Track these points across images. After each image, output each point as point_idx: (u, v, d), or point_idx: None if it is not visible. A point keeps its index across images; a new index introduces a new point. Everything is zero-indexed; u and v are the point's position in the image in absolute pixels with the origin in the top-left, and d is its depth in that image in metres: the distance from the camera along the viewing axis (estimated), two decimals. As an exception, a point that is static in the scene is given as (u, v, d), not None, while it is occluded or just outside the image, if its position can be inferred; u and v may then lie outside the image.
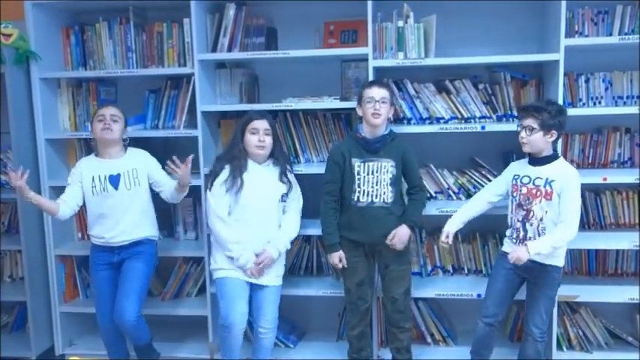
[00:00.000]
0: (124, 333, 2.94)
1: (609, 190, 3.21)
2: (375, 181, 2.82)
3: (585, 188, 3.22)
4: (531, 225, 2.70)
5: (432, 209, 3.05)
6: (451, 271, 3.35)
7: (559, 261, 2.74)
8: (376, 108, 2.74)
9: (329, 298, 3.21)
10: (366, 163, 2.82)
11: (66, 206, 2.88)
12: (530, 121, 2.64)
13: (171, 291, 3.47)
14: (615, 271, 3.30)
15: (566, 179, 2.65)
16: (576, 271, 3.34)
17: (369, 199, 2.82)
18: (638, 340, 3.21)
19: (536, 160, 2.72)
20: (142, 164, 2.95)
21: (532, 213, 2.69)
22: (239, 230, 2.82)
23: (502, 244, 2.90)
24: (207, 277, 3.23)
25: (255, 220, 2.83)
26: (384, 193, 2.82)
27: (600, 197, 3.21)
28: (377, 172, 2.81)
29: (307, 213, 3.07)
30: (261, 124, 2.83)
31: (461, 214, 2.87)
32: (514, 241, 2.77)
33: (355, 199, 2.83)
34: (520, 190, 2.72)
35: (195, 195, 3.33)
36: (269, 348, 2.95)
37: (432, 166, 3.19)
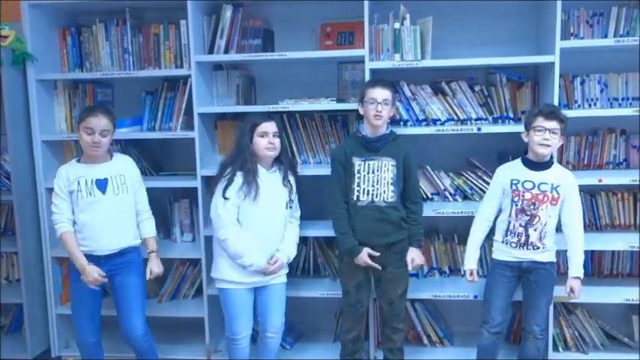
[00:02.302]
0: (135, 350, 2.91)
1: (605, 191, 3.23)
2: (375, 180, 2.80)
3: (581, 189, 3.20)
4: (535, 230, 2.70)
5: (428, 210, 3.05)
6: (447, 272, 3.36)
7: (554, 256, 2.78)
8: (378, 110, 2.73)
9: (326, 299, 3.21)
10: (367, 162, 2.81)
11: (71, 224, 2.77)
12: (555, 124, 2.63)
13: (168, 293, 3.46)
14: (611, 272, 3.32)
15: (569, 184, 2.71)
16: (572, 272, 3.35)
17: (369, 198, 2.81)
18: (634, 341, 3.23)
19: (538, 165, 2.71)
20: (128, 171, 2.84)
21: (538, 218, 2.69)
22: (249, 237, 2.76)
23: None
24: (204, 278, 3.23)
25: (266, 227, 2.78)
26: (385, 192, 2.80)
27: (596, 198, 3.23)
28: (377, 170, 2.80)
29: (305, 214, 3.06)
30: (271, 127, 2.76)
31: (474, 246, 2.82)
32: (514, 245, 2.75)
33: (355, 198, 2.82)
34: (523, 196, 2.70)
35: (191, 197, 3.34)
36: (275, 349, 2.94)
37: (429, 168, 3.20)
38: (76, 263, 2.74)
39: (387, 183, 2.80)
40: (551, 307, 3.02)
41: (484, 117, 3.14)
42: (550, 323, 3.04)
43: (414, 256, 2.86)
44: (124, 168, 2.84)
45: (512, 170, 2.77)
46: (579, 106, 3.15)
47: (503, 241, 2.79)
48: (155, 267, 2.91)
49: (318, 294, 3.20)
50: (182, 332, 3.48)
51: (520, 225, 2.72)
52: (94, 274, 2.73)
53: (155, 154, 3.54)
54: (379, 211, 2.80)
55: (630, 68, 3.12)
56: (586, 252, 3.27)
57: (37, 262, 3.35)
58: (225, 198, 2.73)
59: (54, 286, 3.36)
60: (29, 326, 3.34)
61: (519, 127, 2.98)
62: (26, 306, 3.31)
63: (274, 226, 2.82)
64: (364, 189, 2.82)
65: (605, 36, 3.03)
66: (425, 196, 3.22)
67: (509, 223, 2.76)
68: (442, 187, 3.21)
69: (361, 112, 2.83)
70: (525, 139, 2.73)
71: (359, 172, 2.82)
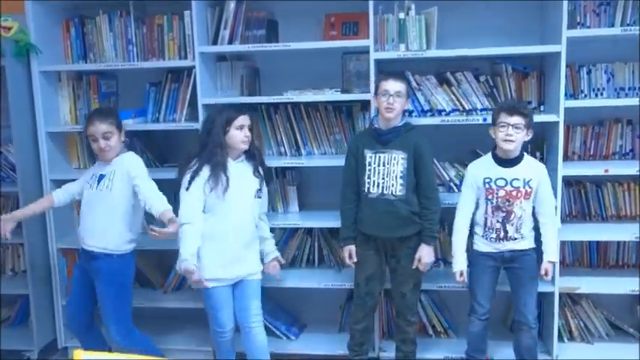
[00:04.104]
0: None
1: (610, 181, 3.21)
2: (385, 173, 2.79)
3: (587, 180, 3.23)
4: (512, 225, 2.74)
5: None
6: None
7: (533, 241, 2.80)
8: (390, 102, 2.72)
9: (331, 290, 3.21)
10: (377, 154, 2.80)
11: (58, 194, 2.93)
12: (518, 119, 2.66)
13: (174, 284, 3.47)
14: (616, 262, 3.31)
15: (540, 176, 2.73)
16: (577, 263, 3.35)
17: (380, 191, 2.80)
18: (639, 331, 3.23)
19: (508, 161, 2.74)
20: (121, 167, 2.77)
21: (513, 214, 2.72)
22: (220, 227, 2.74)
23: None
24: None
25: (236, 217, 2.76)
26: (393, 186, 2.78)
27: (602, 189, 3.22)
28: (387, 163, 2.79)
29: (309, 205, 3.06)
30: (246, 120, 2.79)
31: (460, 247, 2.84)
32: (493, 240, 2.78)
33: (366, 190, 2.82)
34: (497, 193, 2.73)
35: (196, 188, 3.33)
36: (264, 344, 2.86)
37: (434, 159, 3.18)
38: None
39: (397, 176, 2.78)
40: (556, 298, 3.02)
41: (489, 107, 3.12)
42: (555, 314, 3.04)
43: (423, 254, 2.82)
44: (119, 164, 2.79)
45: (483, 168, 2.78)
46: (585, 95, 3.13)
47: (483, 236, 2.81)
48: (171, 229, 2.60)
49: (322, 285, 3.21)
50: (187, 323, 3.49)
51: (497, 221, 2.76)
52: (3, 226, 2.77)
53: (159, 145, 3.53)
54: (389, 204, 2.79)
55: (637, 58, 3.09)
56: (591, 242, 3.30)
57: (42, 254, 3.36)
58: (188, 189, 2.73)
59: (60, 277, 3.38)
60: (35, 317, 3.35)
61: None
62: (32, 297, 3.32)
63: (243, 216, 2.79)
64: (374, 181, 2.80)
65: (612, 25, 3.01)
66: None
67: (487, 219, 2.79)
68: (447, 178, 3.20)
69: (375, 104, 2.83)
70: (493, 135, 2.76)
71: (370, 164, 2.81)
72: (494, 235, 2.77)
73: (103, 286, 2.81)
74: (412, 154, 2.79)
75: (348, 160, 2.90)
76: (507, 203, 2.71)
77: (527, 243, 2.78)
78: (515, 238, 2.75)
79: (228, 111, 2.81)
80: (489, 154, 2.80)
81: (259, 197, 2.87)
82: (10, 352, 3.33)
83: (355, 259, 2.90)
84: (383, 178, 2.80)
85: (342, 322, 3.41)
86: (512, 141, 2.67)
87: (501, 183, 2.72)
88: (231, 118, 2.77)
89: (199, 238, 2.69)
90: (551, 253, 2.76)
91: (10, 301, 3.64)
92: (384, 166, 2.80)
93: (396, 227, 2.81)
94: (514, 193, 2.71)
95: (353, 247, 2.90)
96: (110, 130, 2.77)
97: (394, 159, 2.79)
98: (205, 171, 2.73)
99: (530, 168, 2.75)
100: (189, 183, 2.73)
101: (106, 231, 2.78)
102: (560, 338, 3.15)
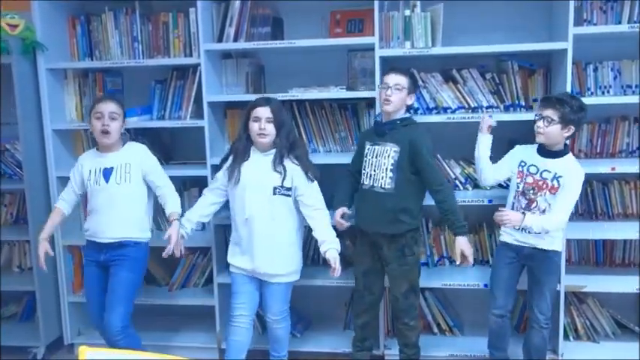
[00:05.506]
0: (109, 345, 2.79)
1: (617, 179, 3.20)
2: (376, 165, 2.78)
3: (593, 178, 3.21)
4: (533, 214, 2.69)
5: (438, 199, 3.05)
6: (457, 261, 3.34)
7: (558, 245, 2.76)
8: (387, 94, 2.71)
9: (336, 288, 3.22)
10: (373, 147, 2.81)
11: (66, 204, 2.89)
12: (550, 112, 2.62)
13: (179, 281, 3.49)
14: (622, 261, 3.30)
15: (572, 176, 2.66)
16: (583, 262, 3.34)
17: (371, 183, 2.80)
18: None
19: (547, 152, 2.70)
20: (136, 160, 2.80)
21: (535, 203, 2.70)
22: (236, 217, 2.78)
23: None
24: (214, 267, 3.24)
25: (249, 210, 2.71)
26: (383, 178, 2.76)
27: (608, 187, 3.21)
28: (380, 155, 2.78)
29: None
30: (263, 112, 2.67)
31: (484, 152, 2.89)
32: (516, 228, 2.73)
33: (362, 181, 2.84)
34: (525, 179, 2.72)
35: (201, 186, 3.34)
36: (282, 339, 2.91)
37: (439, 157, 3.18)
38: (41, 233, 2.85)
39: (386, 169, 2.76)
40: (562, 297, 3.01)
41: (495, 105, 3.12)
42: (561, 312, 3.03)
43: (463, 247, 2.71)
44: (132, 156, 2.82)
45: (525, 152, 2.79)
46: (592, 93, 3.12)
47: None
48: (172, 232, 2.75)
49: (327, 283, 3.20)
50: (193, 320, 3.50)
51: (520, 207, 2.74)
52: (40, 249, 2.82)
53: (165, 143, 3.54)
54: (376, 196, 2.78)
55: (645, 55, 3.08)
56: (597, 241, 3.29)
57: (49, 251, 3.38)
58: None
59: (66, 274, 3.39)
60: (42, 314, 3.36)
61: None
62: (39, 294, 3.34)
63: (257, 211, 2.71)
64: (367, 173, 2.81)
65: (619, 22, 2.99)
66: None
67: (513, 205, 2.78)
68: (452, 176, 3.20)
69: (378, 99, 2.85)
70: None
71: (366, 155, 2.82)
72: None
73: (124, 271, 2.78)
74: (407, 149, 2.73)
75: (356, 153, 2.96)
76: (532, 191, 2.69)
77: (549, 243, 2.72)
78: (538, 233, 2.70)
79: (254, 101, 2.76)
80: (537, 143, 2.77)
81: (285, 195, 2.72)
82: (17, 349, 3.35)
83: (347, 223, 2.87)
84: (374, 170, 2.79)
85: (347, 320, 3.41)
86: (540, 133, 2.65)
87: (533, 170, 2.71)
88: (250, 108, 2.74)
89: (206, 208, 2.89)
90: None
91: (16, 298, 3.67)
92: (376, 158, 2.79)
93: (380, 222, 2.78)
94: (540, 183, 2.68)
95: (346, 209, 2.88)
96: (117, 112, 2.77)
97: (386, 151, 2.76)
98: (230, 159, 2.81)
99: (567, 167, 2.67)
100: (220, 165, 2.87)
101: (134, 219, 2.82)
102: (566, 337, 3.14)
